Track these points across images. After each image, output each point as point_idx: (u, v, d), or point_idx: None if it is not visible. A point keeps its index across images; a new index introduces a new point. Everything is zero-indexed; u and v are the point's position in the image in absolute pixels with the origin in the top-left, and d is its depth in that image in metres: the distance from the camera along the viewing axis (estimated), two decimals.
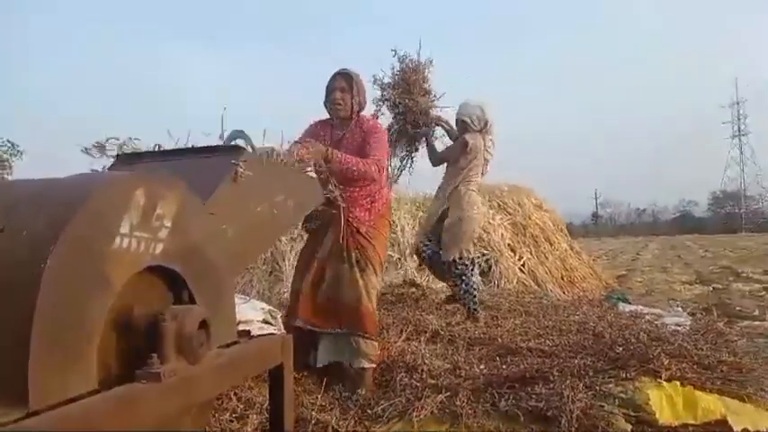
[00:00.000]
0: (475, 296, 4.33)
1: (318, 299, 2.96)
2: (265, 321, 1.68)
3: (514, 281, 8.18)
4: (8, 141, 20.53)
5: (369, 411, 2.66)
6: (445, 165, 4.62)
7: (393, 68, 4.61)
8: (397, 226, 8.75)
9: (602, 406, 2.50)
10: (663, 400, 2.58)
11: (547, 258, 9.56)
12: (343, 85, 3.10)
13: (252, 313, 1.64)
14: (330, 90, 3.13)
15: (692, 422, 2.51)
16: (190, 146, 2.12)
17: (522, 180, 11.13)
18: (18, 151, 20.44)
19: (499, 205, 9.89)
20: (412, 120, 4.51)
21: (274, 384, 1.67)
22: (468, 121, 4.41)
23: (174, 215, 1.34)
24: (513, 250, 9.05)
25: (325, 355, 3.00)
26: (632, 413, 2.50)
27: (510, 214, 9.77)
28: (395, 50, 4.63)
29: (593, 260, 12.60)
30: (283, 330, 1.80)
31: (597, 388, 2.65)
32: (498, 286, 7.73)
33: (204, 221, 1.48)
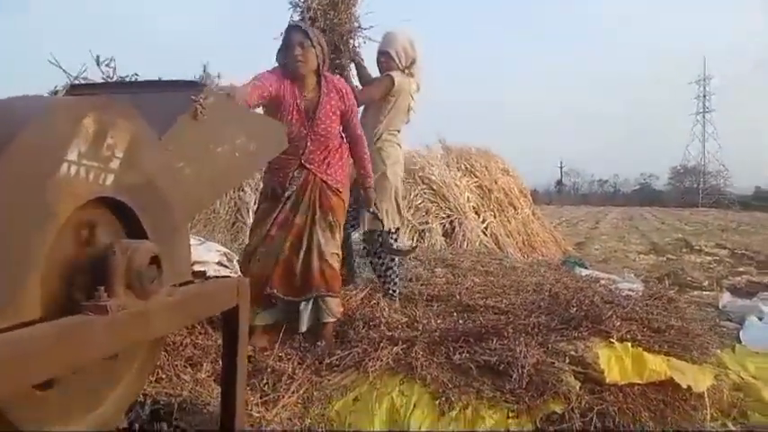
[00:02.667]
0: (397, 275, 3.63)
1: (296, 266, 2.91)
2: (221, 264, 1.64)
3: (477, 243, 8.27)
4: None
5: (326, 362, 2.68)
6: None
7: None
8: None
9: (553, 363, 2.56)
10: (612, 360, 2.65)
11: (510, 222, 9.68)
12: (301, 39, 2.89)
13: (208, 255, 1.60)
14: (288, 45, 2.91)
15: (639, 381, 2.60)
16: (149, 79, 2.04)
17: (490, 144, 11.16)
18: None
19: (466, 167, 9.90)
20: (333, 42, 3.71)
21: (228, 328, 1.65)
22: (394, 54, 3.63)
23: (127, 146, 1.28)
24: (477, 213, 9.12)
25: (306, 319, 3.00)
26: (581, 370, 2.57)
27: (476, 177, 9.80)
28: None
29: (554, 227, 12.82)
30: (239, 273, 1.77)
31: (549, 346, 2.71)
32: (461, 247, 7.82)
33: (159, 156, 1.42)
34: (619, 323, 2.99)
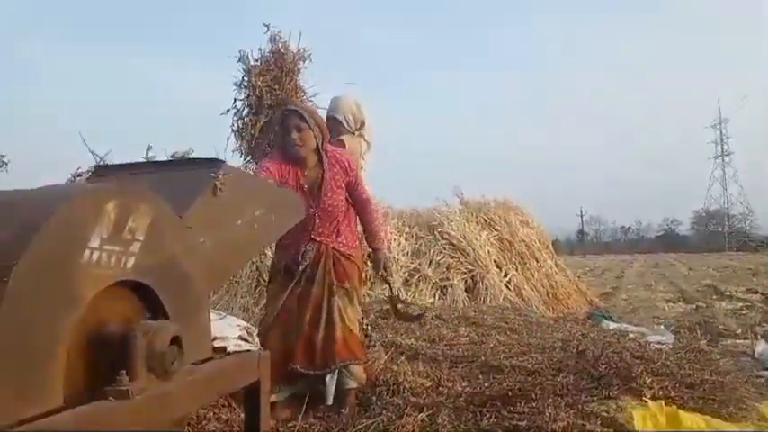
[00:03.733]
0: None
1: (317, 338, 2.90)
2: (242, 338, 1.65)
3: (501, 297, 8.17)
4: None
5: (350, 431, 2.62)
6: None
7: (262, 50, 3.76)
8: (384, 241, 8.72)
9: (584, 425, 2.48)
10: (646, 419, 2.57)
11: (533, 275, 9.56)
12: (298, 122, 2.93)
13: (228, 330, 1.61)
14: (286, 130, 2.97)
15: None
16: (169, 158, 2.11)
17: (509, 197, 11.15)
18: (3, 162, 20.26)
19: (485, 221, 9.88)
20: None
21: (250, 402, 1.64)
22: (343, 119, 3.63)
23: (147, 228, 1.31)
24: (499, 267, 9.04)
25: (332, 390, 2.95)
26: None
27: (496, 230, 9.76)
28: (267, 26, 3.84)
29: (578, 277, 12.65)
30: (260, 347, 1.78)
31: (579, 407, 2.64)
32: (485, 302, 7.73)
33: (179, 235, 1.45)
34: (650, 380, 2.91)
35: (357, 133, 3.68)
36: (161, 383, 1.21)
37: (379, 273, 3.36)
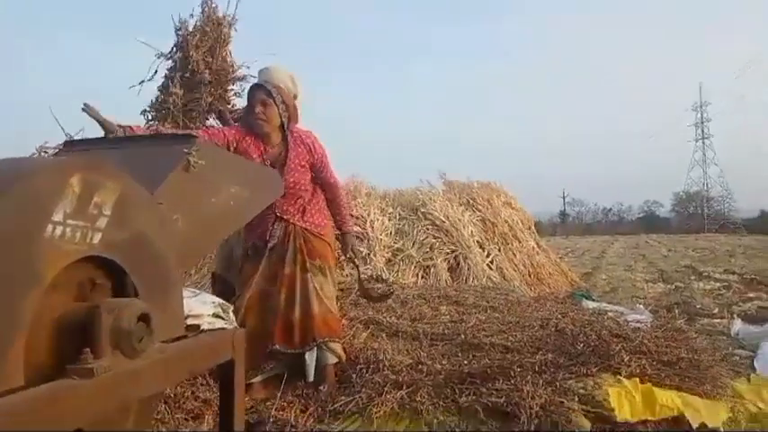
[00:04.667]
0: None
1: (294, 316, 2.89)
2: (216, 315, 1.62)
3: (483, 277, 8.21)
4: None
5: (329, 408, 2.62)
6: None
7: (194, 17, 3.36)
8: (366, 221, 8.72)
9: (562, 402, 2.50)
10: (622, 397, 2.59)
11: (515, 256, 9.62)
12: (263, 97, 2.90)
13: (201, 307, 1.58)
14: (250, 103, 2.94)
15: (651, 418, 2.53)
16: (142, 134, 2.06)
17: (492, 179, 11.19)
18: None
19: (468, 202, 9.91)
20: (215, 92, 3.40)
21: (224, 381, 1.61)
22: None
23: (115, 203, 1.27)
24: (481, 247, 9.08)
25: (313, 368, 2.94)
26: (592, 409, 2.51)
27: (479, 211, 9.79)
28: None
29: (560, 258, 12.75)
30: (235, 325, 1.75)
31: (558, 384, 2.65)
32: (467, 282, 7.76)
33: (150, 211, 1.41)
34: (628, 357, 2.93)
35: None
36: (128, 362, 1.18)
37: (348, 254, 3.38)
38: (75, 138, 2.25)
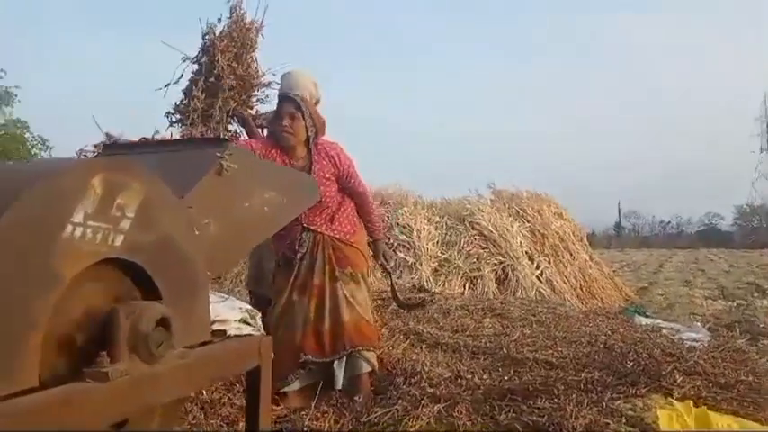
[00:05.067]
0: None
1: (324, 325, 2.86)
2: (243, 321, 1.59)
3: (532, 290, 8.03)
4: (39, 137, 21.32)
5: (363, 419, 2.56)
6: None
7: (222, 21, 3.28)
8: (412, 231, 8.66)
9: (608, 423, 2.37)
10: (673, 420, 2.44)
11: (566, 268, 9.39)
12: (291, 110, 2.87)
13: (229, 312, 1.56)
14: (278, 115, 2.92)
15: None
16: (178, 137, 2.07)
17: (543, 189, 10.97)
18: (48, 146, 21.26)
19: (518, 212, 9.73)
20: (239, 97, 3.32)
21: (250, 388, 1.58)
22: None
23: (140, 206, 1.25)
24: (531, 258, 8.89)
25: (341, 376, 2.90)
26: None
27: (529, 222, 9.59)
28: None
29: (614, 272, 12.35)
30: (263, 331, 1.72)
31: (604, 404, 2.52)
32: (515, 294, 7.60)
33: (176, 214, 1.40)
34: (681, 378, 2.78)
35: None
36: (145, 367, 1.16)
37: (379, 262, 3.33)
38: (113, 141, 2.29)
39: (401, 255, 8.23)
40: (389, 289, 3.49)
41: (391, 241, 8.37)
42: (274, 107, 3.36)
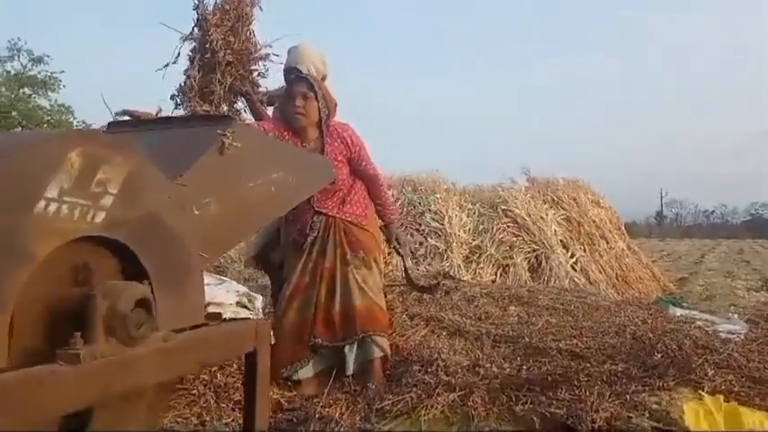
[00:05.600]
0: None
1: (335, 309, 2.83)
2: (240, 304, 1.55)
3: (566, 279, 7.86)
4: (83, 122, 21.89)
5: (375, 406, 2.51)
6: None
7: None
8: (444, 217, 8.56)
9: (630, 417, 2.25)
10: (700, 415, 2.31)
11: (601, 257, 9.17)
12: (304, 90, 2.82)
13: (225, 295, 1.51)
14: (290, 95, 2.86)
15: None
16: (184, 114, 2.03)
17: (580, 175, 10.73)
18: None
19: (553, 200, 9.52)
20: (237, 73, 3.12)
21: (247, 372, 1.54)
22: (306, 71, 3.17)
23: (123, 182, 1.21)
24: (565, 247, 8.71)
25: (351, 361, 2.86)
26: (664, 427, 2.24)
27: (564, 209, 9.39)
28: None
29: (653, 261, 12.02)
30: (261, 315, 1.67)
31: (627, 397, 2.41)
32: (548, 283, 7.44)
33: (165, 192, 1.35)
34: (712, 372, 2.64)
35: None
36: (123, 349, 1.12)
37: (392, 245, 3.28)
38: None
39: (432, 241, 8.16)
40: (403, 271, 3.43)
41: (422, 227, 8.32)
42: (278, 84, 3.32)
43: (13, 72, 22.04)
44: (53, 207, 1.07)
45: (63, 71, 22.50)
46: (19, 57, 22.05)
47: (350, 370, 2.79)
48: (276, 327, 2.78)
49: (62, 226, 1.09)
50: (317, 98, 2.82)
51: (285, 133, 2.86)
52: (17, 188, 1.02)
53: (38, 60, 22.20)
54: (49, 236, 1.06)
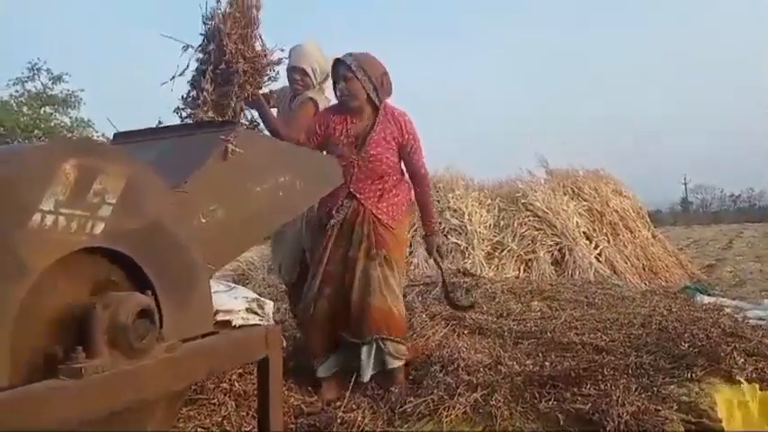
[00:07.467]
0: None
1: (353, 304, 2.74)
2: (250, 311, 1.53)
3: (591, 271, 7.73)
4: (103, 135, 22.19)
5: (399, 410, 2.47)
6: None
7: (219, 1, 2.88)
8: (464, 214, 8.49)
9: (658, 410, 2.18)
10: (733, 405, 2.25)
11: (626, 247, 9.01)
12: (344, 72, 2.79)
13: (234, 302, 1.49)
14: (335, 81, 2.86)
15: None
16: (188, 122, 2.02)
17: (602, 165, 10.55)
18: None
19: (573, 191, 9.38)
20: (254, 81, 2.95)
21: (259, 380, 1.52)
22: (310, 71, 3.17)
23: (122, 191, 1.19)
24: (588, 238, 8.57)
25: (368, 366, 2.77)
26: (694, 419, 2.17)
27: (585, 200, 9.24)
28: None
29: (680, 249, 11.81)
30: (271, 321, 1.65)
31: (655, 390, 2.34)
32: (573, 276, 7.33)
33: (167, 199, 1.33)
34: (742, 360, 2.56)
35: (319, 87, 3.25)
36: (126, 361, 1.10)
37: (432, 256, 3.18)
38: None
39: (452, 239, 8.09)
40: (442, 288, 3.34)
41: (442, 225, 8.25)
42: (278, 84, 3.24)
43: (34, 91, 22.41)
44: (49, 220, 1.05)
45: (83, 89, 22.84)
46: (39, 76, 22.40)
47: (366, 377, 2.72)
48: (304, 313, 2.79)
49: (60, 238, 1.07)
50: (357, 77, 2.78)
51: (333, 117, 2.87)
52: (11, 201, 1.01)
53: (57, 79, 22.53)
54: (47, 249, 1.05)
